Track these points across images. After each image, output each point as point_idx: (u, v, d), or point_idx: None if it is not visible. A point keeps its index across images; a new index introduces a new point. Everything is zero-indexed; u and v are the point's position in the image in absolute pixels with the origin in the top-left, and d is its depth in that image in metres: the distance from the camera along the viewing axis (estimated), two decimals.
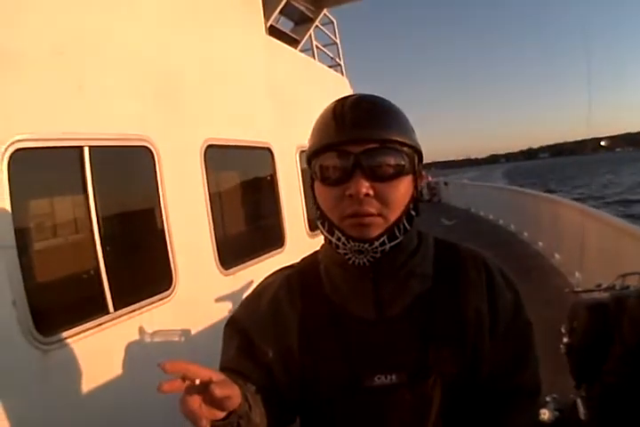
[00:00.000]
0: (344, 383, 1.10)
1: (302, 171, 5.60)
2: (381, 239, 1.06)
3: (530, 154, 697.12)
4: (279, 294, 1.21)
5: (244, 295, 3.56)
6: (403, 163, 1.07)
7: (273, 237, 4.80)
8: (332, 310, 1.15)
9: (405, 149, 1.07)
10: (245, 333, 1.19)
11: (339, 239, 1.08)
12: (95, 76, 2.77)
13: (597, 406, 2.06)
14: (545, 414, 2.15)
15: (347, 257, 1.09)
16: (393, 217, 1.07)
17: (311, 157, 1.13)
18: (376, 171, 1.05)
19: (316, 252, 1.29)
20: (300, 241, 5.14)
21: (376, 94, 1.15)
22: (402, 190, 1.07)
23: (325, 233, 1.12)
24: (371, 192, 1.03)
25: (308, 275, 1.23)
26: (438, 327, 1.13)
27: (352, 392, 1.10)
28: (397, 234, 1.08)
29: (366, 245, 1.06)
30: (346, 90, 7.89)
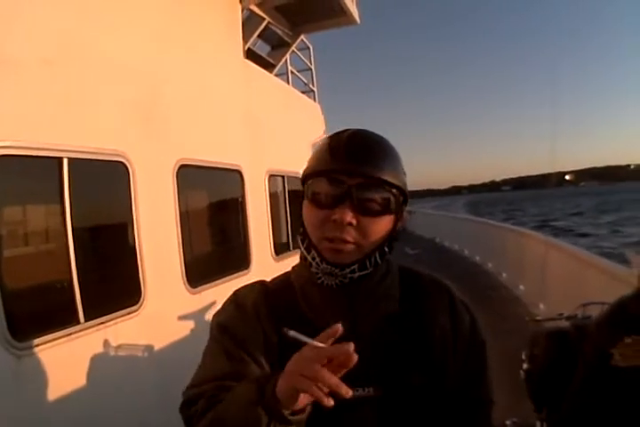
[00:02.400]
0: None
1: (270, 195, 5.66)
2: (352, 267, 1.14)
3: (492, 186, 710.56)
4: (258, 306, 1.24)
5: (209, 314, 3.58)
6: (389, 202, 1.15)
7: (239, 259, 4.82)
8: (309, 326, 1.17)
9: (394, 190, 1.15)
10: (241, 339, 1.21)
11: (313, 258, 1.16)
12: (80, 88, 2.81)
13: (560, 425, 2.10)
14: None
15: (317, 276, 1.17)
16: (367, 249, 1.15)
17: (306, 179, 1.20)
18: (363, 204, 1.12)
19: (287, 272, 1.34)
20: (266, 264, 5.17)
21: (368, 129, 1.24)
22: (382, 227, 1.15)
23: (303, 250, 1.20)
24: (354, 222, 1.11)
25: (282, 292, 1.27)
26: (407, 345, 1.21)
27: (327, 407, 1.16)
28: (368, 265, 1.16)
29: (337, 270, 1.14)
30: (317, 116, 8.03)
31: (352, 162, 1.14)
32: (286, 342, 1.13)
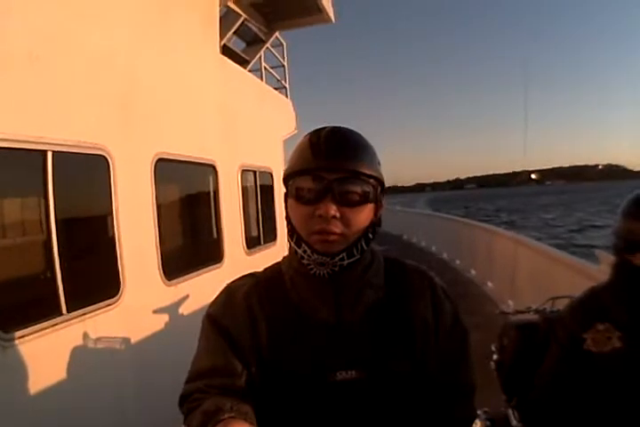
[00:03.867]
0: (310, 378, 1.24)
1: (243, 190, 5.71)
2: (341, 255, 1.23)
3: (456, 184, 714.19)
4: (250, 297, 1.30)
5: (183, 307, 3.64)
6: (368, 192, 1.24)
7: (212, 253, 4.86)
8: (298, 314, 1.28)
9: (371, 180, 1.25)
10: (227, 331, 1.27)
11: (304, 251, 1.23)
12: (63, 82, 2.83)
13: (531, 409, 2.15)
14: (476, 424, 2.23)
15: (309, 267, 1.24)
16: (353, 238, 1.24)
17: (289, 178, 1.27)
18: (344, 197, 1.21)
19: (277, 263, 1.40)
20: (238, 258, 5.22)
21: (348, 127, 1.31)
22: (364, 216, 1.25)
23: (293, 245, 1.26)
24: (337, 214, 1.20)
25: (273, 282, 1.33)
26: (391, 331, 1.31)
27: (318, 386, 1.24)
28: (355, 252, 1.26)
29: (328, 259, 1.23)
30: (289, 113, 8.09)
31: (330, 158, 1.21)
32: (276, 330, 1.25)
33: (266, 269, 1.41)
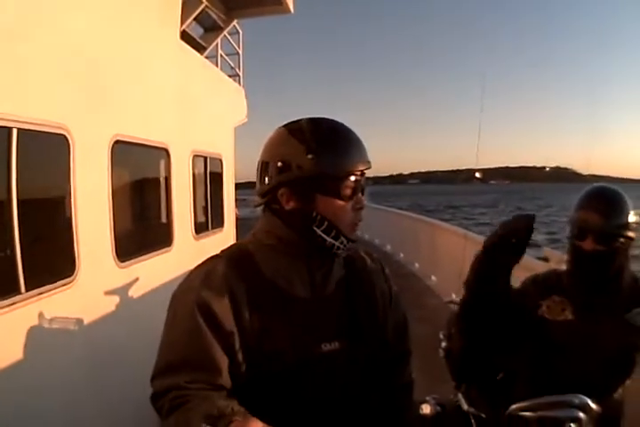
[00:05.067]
0: (299, 352, 1.33)
1: (194, 175, 5.74)
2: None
3: (398, 179, 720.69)
4: (229, 277, 1.34)
5: (135, 288, 3.69)
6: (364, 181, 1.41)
7: (163, 236, 4.88)
8: (277, 291, 1.36)
9: None
10: (215, 318, 1.29)
11: (342, 242, 1.37)
12: (28, 61, 2.82)
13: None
14: (426, 408, 2.25)
15: (339, 251, 1.40)
16: None
17: (331, 176, 1.33)
18: (363, 189, 1.40)
19: (238, 244, 1.49)
20: (187, 242, 5.26)
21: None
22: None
23: (329, 238, 1.35)
24: None
25: (245, 262, 1.38)
26: (360, 303, 1.46)
27: (306, 358, 1.34)
28: None
29: (354, 244, 1.43)
30: (241, 100, 8.11)
31: (363, 155, 1.38)
32: (258, 309, 1.33)
33: (228, 250, 1.45)
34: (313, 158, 1.31)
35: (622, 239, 1.93)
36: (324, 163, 1.31)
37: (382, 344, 1.51)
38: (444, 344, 2.44)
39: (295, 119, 1.42)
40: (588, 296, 2.01)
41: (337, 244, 1.36)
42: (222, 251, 1.45)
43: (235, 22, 7.58)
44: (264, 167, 1.38)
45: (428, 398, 2.30)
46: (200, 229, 5.84)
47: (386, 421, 1.55)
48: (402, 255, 12.39)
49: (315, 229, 1.35)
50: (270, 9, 7.80)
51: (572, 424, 1.74)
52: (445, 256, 8.62)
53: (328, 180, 1.33)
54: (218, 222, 6.61)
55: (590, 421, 1.77)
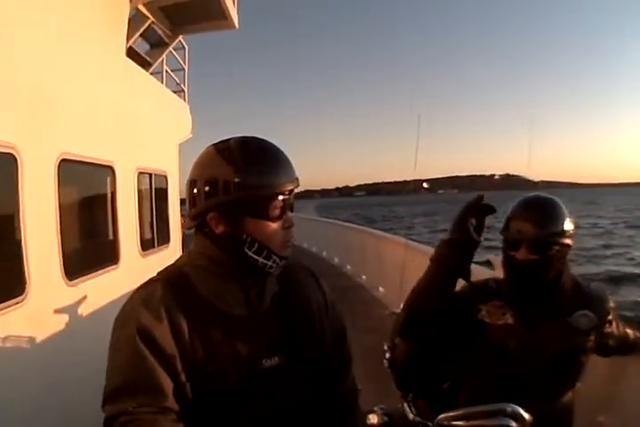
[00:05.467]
0: (240, 369, 1.34)
1: (139, 192, 5.71)
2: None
3: (345, 191, 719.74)
4: (166, 301, 1.33)
5: (84, 306, 3.68)
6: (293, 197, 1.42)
7: (109, 254, 4.85)
8: (214, 311, 1.37)
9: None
10: (155, 343, 1.29)
11: (274, 261, 1.38)
12: None
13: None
14: (374, 418, 2.25)
15: (272, 270, 1.40)
16: None
17: (257, 198, 1.32)
18: (292, 206, 1.41)
19: (173, 265, 1.47)
20: (133, 260, 5.23)
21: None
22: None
23: (262, 259, 1.36)
24: None
25: (182, 284, 1.38)
26: (296, 317, 1.48)
27: (248, 375, 1.35)
28: None
29: (285, 261, 1.44)
30: (186, 117, 8.11)
31: (290, 174, 1.37)
32: (197, 330, 1.34)
33: (165, 273, 1.45)
34: (240, 180, 1.30)
35: (557, 247, 1.93)
36: (251, 184, 1.31)
37: (322, 356, 1.52)
38: (387, 355, 2.43)
39: (226, 138, 1.41)
40: (528, 302, 2.01)
41: (269, 263, 1.38)
42: (159, 273, 1.45)
43: (180, 38, 7.61)
44: (192, 187, 1.36)
45: (375, 409, 2.31)
46: (146, 246, 5.81)
47: None
48: (349, 267, 12.40)
49: (246, 250, 1.36)
50: (215, 24, 7.83)
51: None
52: (390, 267, 8.60)
53: (256, 201, 1.33)
54: (164, 239, 6.59)
55: None
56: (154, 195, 6.35)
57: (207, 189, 1.32)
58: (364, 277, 10.99)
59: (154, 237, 6.26)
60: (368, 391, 1.82)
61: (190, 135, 8.17)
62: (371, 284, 10.20)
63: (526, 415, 1.75)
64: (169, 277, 1.41)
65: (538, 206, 2.00)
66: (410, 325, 2.04)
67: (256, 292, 1.43)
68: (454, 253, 1.89)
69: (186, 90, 8.27)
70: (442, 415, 1.90)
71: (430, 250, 2.03)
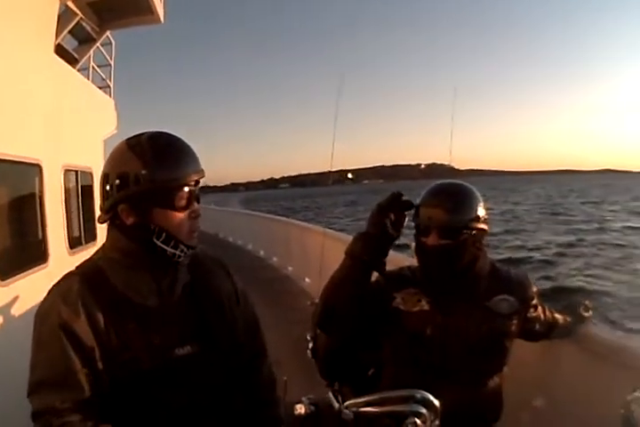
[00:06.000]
0: (153, 358, 1.39)
1: (66, 190, 5.65)
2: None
3: (270, 184, 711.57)
4: (84, 295, 1.39)
5: (15, 306, 3.72)
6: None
7: (39, 252, 4.80)
8: (128, 302, 1.42)
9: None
10: (74, 336, 1.35)
11: (182, 251, 1.44)
12: None
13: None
14: (300, 408, 2.23)
15: (180, 259, 1.46)
16: None
17: (162, 189, 1.38)
18: (198, 196, 1.47)
19: (90, 260, 1.52)
20: (62, 258, 5.18)
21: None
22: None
23: (169, 248, 1.42)
24: None
25: (98, 278, 1.43)
26: (207, 306, 1.54)
27: (162, 363, 1.40)
28: None
29: (193, 251, 1.51)
30: (111, 113, 8.00)
31: (195, 166, 1.43)
32: (111, 319, 1.38)
33: (82, 267, 1.50)
34: (147, 173, 1.37)
35: (469, 231, 1.93)
36: (158, 176, 1.37)
37: (234, 344, 1.57)
38: (310, 345, 2.45)
39: (139, 133, 1.46)
40: (443, 288, 2.01)
41: (177, 252, 1.43)
42: (77, 267, 1.50)
43: (108, 33, 7.54)
44: (105, 181, 1.41)
45: (303, 399, 2.31)
46: (74, 243, 5.75)
47: (249, 419, 1.62)
48: (275, 259, 12.37)
49: (155, 240, 1.41)
50: (141, 19, 7.80)
51: (415, 419, 1.74)
52: (314, 257, 8.30)
53: (162, 192, 1.39)
54: (91, 236, 6.50)
55: (433, 416, 1.76)
56: (80, 192, 6.27)
57: (118, 182, 1.38)
58: (290, 268, 10.96)
59: (81, 235, 6.19)
60: (298, 382, 1.94)
61: (115, 131, 8.08)
62: (297, 275, 10.19)
63: (436, 402, 1.74)
64: (85, 272, 1.46)
65: (447, 193, 1.99)
66: (326, 317, 2.02)
67: (167, 282, 1.48)
68: (367, 247, 1.90)
69: (112, 85, 8.16)
70: (350, 401, 1.91)
71: (349, 238, 2.02)
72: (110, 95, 8.11)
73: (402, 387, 1.92)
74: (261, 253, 13.77)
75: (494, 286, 2.04)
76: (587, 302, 2.45)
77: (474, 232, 1.94)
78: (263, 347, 1.77)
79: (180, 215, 1.41)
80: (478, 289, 2.02)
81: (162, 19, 7.80)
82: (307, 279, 9.37)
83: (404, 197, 1.92)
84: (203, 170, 1.46)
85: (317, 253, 8.39)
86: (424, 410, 1.72)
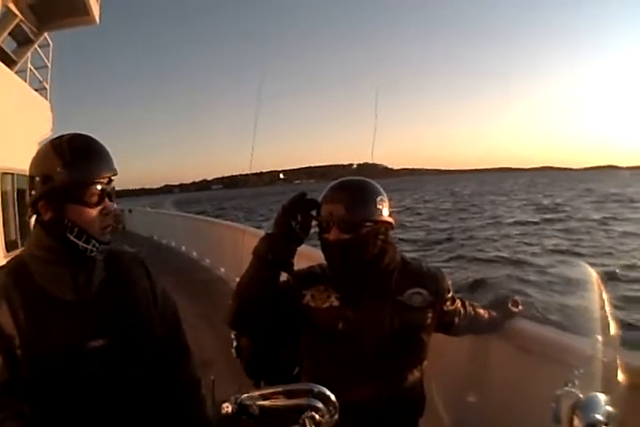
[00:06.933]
0: (67, 350, 1.42)
1: (2, 193, 5.55)
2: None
3: (203, 185, 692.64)
4: (6, 287, 1.42)
5: None
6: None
7: None
8: (47, 296, 1.45)
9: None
10: (3, 335, 1.38)
11: (94, 246, 1.47)
12: None
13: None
14: (227, 407, 2.34)
15: (93, 254, 1.49)
16: None
17: (75, 186, 1.42)
18: (111, 194, 1.51)
19: (18, 256, 1.53)
20: None
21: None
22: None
23: (82, 243, 1.45)
24: None
25: (19, 272, 1.46)
26: (122, 302, 1.56)
27: (74, 356, 1.42)
28: None
29: (107, 246, 1.54)
30: (46, 115, 7.81)
31: (107, 165, 1.49)
32: (31, 312, 1.42)
33: (10, 262, 1.53)
34: (64, 170, 1.42)
35: (370, 225, 1.92)
36: (72, 174, 1.43)
37: (150, 341, 1.59)
38: (235, 344, 2.43)
39: (62, 134, 1.51)
40: (350, 283, 1.99)
41: (89, 247, 1.47)
42: (7, 262, 1.54)
43: (46, 35, 7.41)
44: (31, 179, 1.46)
45: (231, 398, 2.38)
46: (10, 246, 5.64)
47: (173, 417, 1.64)
48: (208, 260, 12.10)
49: (68, 235, 1.45)
50: (78, 20, 7.68)
51: (312, 413, 1.63)
52: (246, 258, 8.52)
53: (76, 189, 1.44)
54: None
55: (332, 410, 1.65)
56: (17, 195, 6.16)
57: (39, 179, 1.43)
58: (222, 269, 10.72)
59: (17, 238, 6.07)
60: (229, 381, 1.84)
61: (51, 133, 7.92)
62: (229, 276, 9.92)
63: (332, 397, 1.63)
64: (11, 266, 1.50)
65: (347, 189, 1.98)
66: (237, 317, 2.03)
67: (84, 277, 1.51)
68: (272, 247, 1.92)
69: (49, 87, 7.99)
70: (245, 395, 1.75)
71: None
72: (47, 97, 7.92)
73: (320, 384, 1.97)
74: (194, 254, 13.37)
75: (406, 280, 2.01)
76: (516, 298, 2.48)
77: (375, 226, 1.93)
78: (185, 347, 1.79)
79: (92, 211, 1.46)
80: (389, 283, 1.99)
81: (97, 20, 7.72)
82: (237, 279, 9.25)
83: (308, 197, 1.95)
84: (115, 169, 1.53)
85: (249, 254, 8.58)
86: (321, 405, 1.62)
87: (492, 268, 19.01)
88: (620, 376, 1.33)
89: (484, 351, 2.56)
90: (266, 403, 1.63)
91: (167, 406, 1.62)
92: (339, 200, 1.91)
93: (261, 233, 1.98)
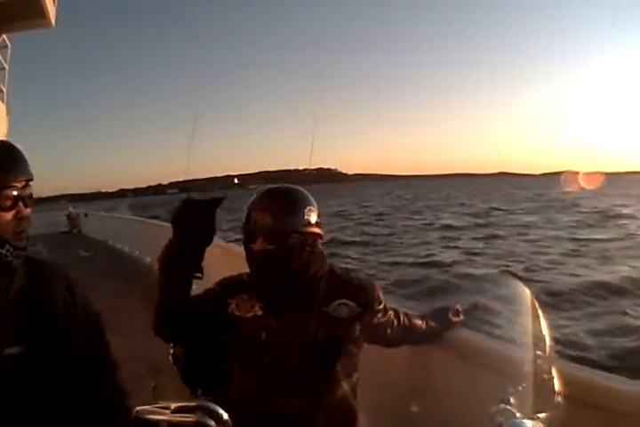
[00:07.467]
0: None
1: None
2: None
3: (158, 190, 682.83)
4: None
5: None
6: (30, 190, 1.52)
7: None
8: None
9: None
10: None
11: (8, 250, 1.46)
12: None
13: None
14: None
15: (8, 259, 1.46)
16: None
17: None
18: (26, 199, 1.49)
19: None
20: None
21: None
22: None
23: None
24: None
25: None
26: (40, 310, 1.55)
27: None
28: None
29: (23, 252, 1.51)
30: (1, 118, 7.69)
31: (21, 170, 1.48)
32: None
33: None
34: None
35: (297, 236, 1.87)
36: None
37: (68, 350, 1.58)
38: (171, 351, 2.38)
39: None
40: (273, 293, 1.96)
41: (3, 251, 1.45)
42: None
43: (4, 36, 7.32)
44: None
45: (173, 407, 2.25)
46: None
47: None
48: None
49: None
50: (34, 23, 7.64)
51: None
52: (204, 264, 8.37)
53: None
54: None
55: None
56: None
57: None
58: None
59: None
60: (172, 389, 1.84)
61: (5, 138, 7.77)
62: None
63: (225, 415, 1.49)
64: None
65: (276, 197, 1.93)
66: (157, 324, 1.98)
67: (4, 283, 1.50)
68: (169, 253, 1.90)
69: (5, 90, 7.83)
70: (141, 407, 1.62)
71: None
72: (3, 100, 7.78)
73: (246, 394, 1.93)
74: (148, 259, 13.36)
75: (333, 291, 1.97)
76: (457, 307, 2.46)
77: (302, 236, 1.88)
78: (108, 358, 1.78)
79: (6, 215, 1.45)
80: (314, 293, 1.95)
81: (53, 23, 7.67)
82: (194, 286, 9.25)
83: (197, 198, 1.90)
84: (31, 174, 1.53)
85: (205, 260, 8.53)
86: (213, 423, 1.46)
87: (399, 270, 20.01)
88: (558, 389, 1.33)
89: (426, 361, 2.55)
90: (159, 417, 1.50)
91: (87, 418, 1.60)
92: (266, 209, 1.87)
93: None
